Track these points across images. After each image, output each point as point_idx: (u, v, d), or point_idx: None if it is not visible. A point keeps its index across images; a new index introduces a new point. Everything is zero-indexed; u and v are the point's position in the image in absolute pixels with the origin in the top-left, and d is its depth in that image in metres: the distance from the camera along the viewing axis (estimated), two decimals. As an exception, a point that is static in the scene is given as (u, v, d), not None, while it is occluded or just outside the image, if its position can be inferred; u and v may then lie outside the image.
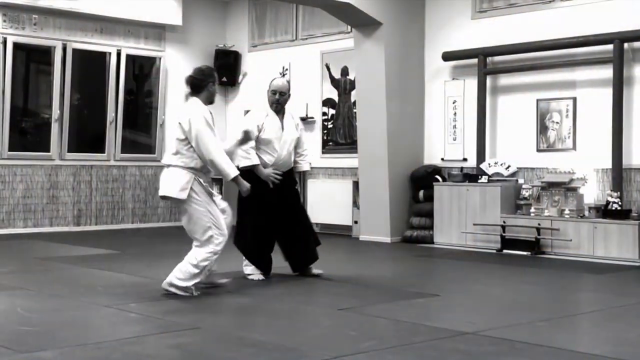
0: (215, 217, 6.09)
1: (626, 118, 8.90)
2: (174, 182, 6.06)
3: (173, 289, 6.08)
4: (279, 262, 7.12)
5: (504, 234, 9.32)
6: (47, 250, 9.24)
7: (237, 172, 6.13)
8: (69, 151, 11.65)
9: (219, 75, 13.31)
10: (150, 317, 5.29)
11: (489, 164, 9.83)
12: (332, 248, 9.95)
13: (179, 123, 6.11)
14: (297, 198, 7.23)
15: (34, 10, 11.25)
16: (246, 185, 6.19)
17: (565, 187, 9.01)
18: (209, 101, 6.24)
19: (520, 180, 9.70)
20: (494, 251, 9.35)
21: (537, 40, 9.56)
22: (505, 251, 9.28)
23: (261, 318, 5.46)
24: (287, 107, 7.15)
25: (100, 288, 6.53)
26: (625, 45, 8.90)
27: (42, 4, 11.16)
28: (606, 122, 9.00)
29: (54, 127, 11.50)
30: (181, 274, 6.06)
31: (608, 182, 9.01)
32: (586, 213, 8.91)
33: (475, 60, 10.09)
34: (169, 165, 6.16)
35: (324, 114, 11.89)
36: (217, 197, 6.33)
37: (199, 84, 6.18)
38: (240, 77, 13.11)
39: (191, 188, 6.01)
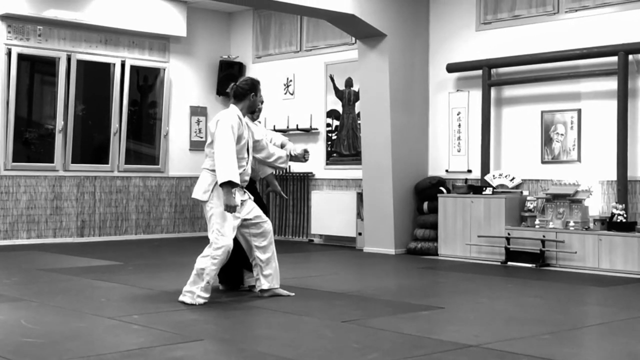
0: (223, 223, 6.19)
1: (631, 130, 8.88)
2: (200, 184, 6.33)
3: (182, 297, 6.32)
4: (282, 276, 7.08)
5: (508, 246, 9.30)
6: (51, 262, 9.22)
7: (228, 180, 6.06)
8: (72, 162, 11.66)
9: (223, 87, 13.41)
10: (153, 329, 5.27)
11: (494, 176, 9.82)
12: (336, 260, 9.94)
13: (209, 126, 6.39)
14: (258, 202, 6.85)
15: (39, 22, 11.28)
16: (232, 200, 6.12)
17: (570, 199, 8.99)
18: (250, 111, 6.57)
19: (525, 192, 9.68)
20: (499, 263, 9.32)
21: (542, 52, 9.56)
22: (509, 263, 9.25)
23: (264, 330, 5.44)
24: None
25: (104, 299, 6.52)
26: (630, 57, 8.89)
27: (46, 15, 11.19)
28: (611, 134, 8.99)
29: (58, 138, 11.51)
30: (194, 282, 6.28)
31: (613, 194, 8.99)
32: (591, 225, 8.88)
33: (479, 72, 10.09)
34: (203, 169, 6.41)
35: (328, 125, 11.88)
36: (249, 201, 6.42)
37: (242, 93, 6.45)
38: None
39: (212, 190, 6.23)
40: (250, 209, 6.43)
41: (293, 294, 6.67)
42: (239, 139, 6.26)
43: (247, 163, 6.41)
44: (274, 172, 7.29)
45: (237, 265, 6.80)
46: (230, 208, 6.13)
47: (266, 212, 6.78)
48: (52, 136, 11.54)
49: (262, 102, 7.04)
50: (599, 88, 9.21)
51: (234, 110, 6.38)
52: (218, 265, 6.23)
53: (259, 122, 7.29)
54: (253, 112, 6.69)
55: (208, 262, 6.20)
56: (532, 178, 9.74)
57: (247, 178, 6.46)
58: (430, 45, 10.81)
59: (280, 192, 7.35)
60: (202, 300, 6.21)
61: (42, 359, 4.40)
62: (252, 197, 6.55)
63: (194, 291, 6.23)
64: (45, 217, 11.48)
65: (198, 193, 6.32)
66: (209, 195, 6.25)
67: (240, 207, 6.31)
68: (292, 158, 6.97)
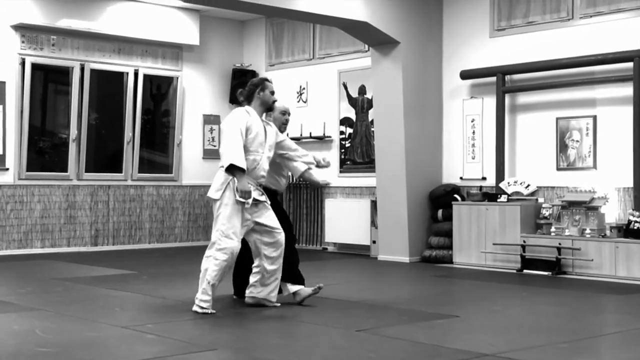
0: (230, 224, 6.13)
1: (647, 136, 8.81)
2: (214, 183, 6.29)
3: (194, 307, 6.26)
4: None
5: (524, 254, 9.23)
6: (65, 271, 9.22)
7: (232, 163, 6.01)
8: (86, 171, 11.68)
9: (236, 95, 13.38)
10: (167, 338, 5.25)
11: (509, 183, 9.76)
12: (350, 268, 9.90)
13: (220, 128, 6.39)
14: (280, 214, 6.75)
15: (52, 31, 11.32)
16: (246, 185, 6.07)
17: (586, 206, 8.92)
18: (265, 107, 6.49)
19: (540, 199, 9.62)
20: (514, 271, 9.25)
21: (556, 58, 9.51)
22: (525, 271, 9.19)
23: (278, 339, 5.41)
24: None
25: (118, 309, 6.50)
26: (646, 62, 8.83)
27: (60, 25, 11.22)
28: (627, 141, 8.92)
29: (72, 147, 11.53)
30: (199, 285, 6.23)
31: (630, 201, 8.91)
32: (607, 232, 8.81)
33: (493, 79, 10.04)
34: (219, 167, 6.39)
35: (342, 132, 11.86)
36: (265, 206, 6.37)
37: (248, 94, 6.45)
38: (258, 96, 13.10)
39: (224, 190, 6.17)
40: (267, 214, 6.36)
41: (279, 304, 6.55)
42: (248, 131, 6.22)
43: (261, 158, 6.35)
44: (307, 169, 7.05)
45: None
46: (245, 193, 6.06)
47: (289, 225, 6.77)
48: (66, 145, 11.56)
49: (289, 114, 6.95)
50: (615, 94, 9.15)
51: (241, 109, 6.38)
52: (220, 267, 6.12)
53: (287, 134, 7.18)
54: (269, 109, 6.57)
55: (210, 262, 6.15)
56: (548, 185, 9.67)
57: (263, 174, 6.39)
58: (443, 52, 10.78)
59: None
60: (204, 304, 6.12)
61: (55, 369, 4.39)
62: (269, 202, 6.48)
63: (197, 296, 6.19)
64: (59, 226, 11.49)
65: (211, 192, 6.27)
66: (220, 194, 6.18)
67: (255, 207, 6.26)
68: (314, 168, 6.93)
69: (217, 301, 6.34)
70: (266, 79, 6.56)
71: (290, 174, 7.05)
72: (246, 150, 6.21)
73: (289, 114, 7.03)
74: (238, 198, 6.09)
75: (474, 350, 4.95)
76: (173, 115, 12.69)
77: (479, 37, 10.40)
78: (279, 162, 6.75)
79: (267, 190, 6.56)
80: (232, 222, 6.14)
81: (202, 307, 6.15)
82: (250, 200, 6.16)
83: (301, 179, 7.10)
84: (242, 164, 6.05)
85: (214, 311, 6.17)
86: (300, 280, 6.71)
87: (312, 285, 6.80)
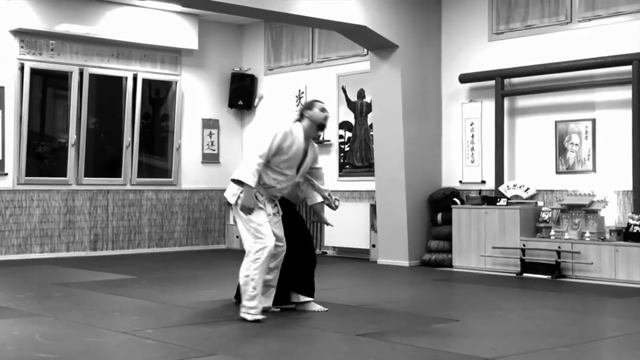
0: (258, 225, 6.10)
1: (646, 139, 8.81)
2: (230, 186, 6.29)
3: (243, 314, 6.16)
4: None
5: (523, 258, 9.23)
6: (64, 276, 9.21)
7: (241, 179, 6.04)
8: (85, 176, 11.67)
9: (235, 99, 13.36)
10: (167, 344, 5.24)
11: (508, 187, 9.76)
12: (350, 272, 9.90)
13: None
14: (298, 222, 6.84)
15: (51, 36, 11.32)
16: (250, 202, 6.05)
17: (585, 210, 8.91)
18: (316, 124, 6.43)
19: (540, 203, 9.61)
20: (514, 275, 9.25)
21: (555, 62, 9.51)
22: (525, 275, 9.18)
23: (278, 344, 5.40)
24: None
25: (117, 314, 6.49)
26: (645, 66, 8.83)
27: (59, 30, 11.22)
28: (626, 144, 8.92)
29: (71, 152, 11.52)
30: (243, 294, 6.16)
31: (629, 204, 8.91)
32: (607, 236, 8.80)
33: (492, 82, 10.04)
34: None
35: (341, 136, 11.86)
36: (277, 217, 6.36)
37: (300, 114, 6.48)
38: (257, 100, 13.12)
39: (239, 195, 6.15)
40: (276, 224, 6.35)
41: (279, 309, 6.56)
42: (280, 150, 6.19)
43: (285, 180, 6.31)
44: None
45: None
46: (244, 208, 6.06)
47: (308, 234, 6.81)
48: (65, 150, 11.56)
49: (326, 119, 6.82)
50: (614, 97, 9.15)
51: (291, 125, 6.35)
52: (261, 267, 6.06)
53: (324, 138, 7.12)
54: (321, 126, 6.48)
55: (251, 268, 6.07)
56: (547, 188, 9.68)
57: (278, 195, 6.40)
58: (442, 56, 10.78)
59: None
60: (253, 312, 6.05)
61: (55, 375, 4.38)
62: (281, 213, 6.47)
63: (244, 304, 6.13)
64: (59, 231, 11.48)
65: (228, 194, 6.30)
66: (235, 199, 6.19)
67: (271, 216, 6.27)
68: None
69: (217, 305, 6.33)
70: (316, 100, 6.57)
71: None
72: (271, 169, 6.22)
73: (326, 118, 6.90)
74: (238, 210, 6.10)
75: (474, 354, 4.95)
76: (172, 120, 12.69)
77: (478, 40, 10.41)
78: (301, 181, 6.74)
79: (285, 201, 6.59)
80: (260, 222, 6.12)
81: (251, 314, 6.06)
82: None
83: (309, 206, 7.07)
84: (250, 181, 6.04)
85: (264, 316, 6.10)
86: (311, 292, 6.70)
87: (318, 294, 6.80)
